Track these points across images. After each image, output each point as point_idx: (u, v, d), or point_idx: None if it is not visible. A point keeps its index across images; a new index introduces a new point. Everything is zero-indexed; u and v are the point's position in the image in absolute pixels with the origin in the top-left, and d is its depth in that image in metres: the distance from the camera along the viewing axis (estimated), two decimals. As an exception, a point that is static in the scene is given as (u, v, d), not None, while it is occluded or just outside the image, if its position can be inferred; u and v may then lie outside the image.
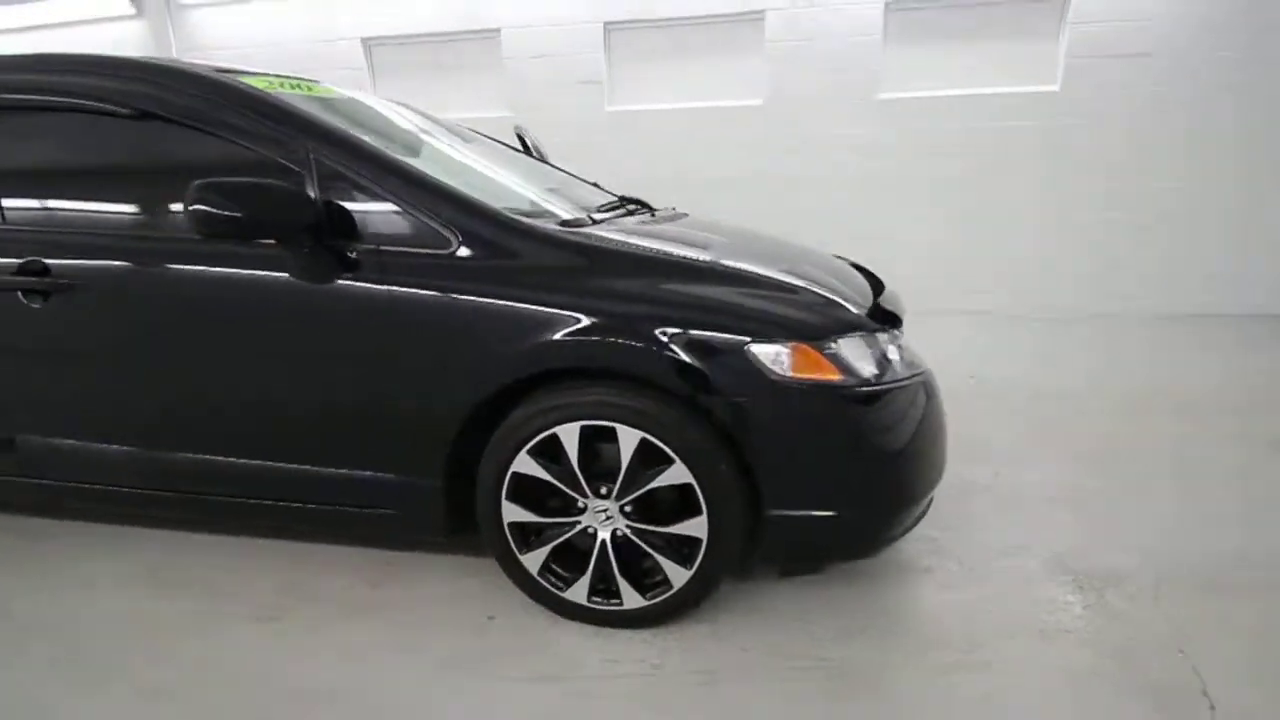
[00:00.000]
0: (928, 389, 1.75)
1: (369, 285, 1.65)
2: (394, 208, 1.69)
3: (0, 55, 1.94)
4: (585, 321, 1.57)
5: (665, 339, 1.56)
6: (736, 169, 5.49)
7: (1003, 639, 1.73)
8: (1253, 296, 4.97)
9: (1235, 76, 4.62)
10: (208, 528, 2.30)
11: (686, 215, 2.42)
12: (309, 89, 2.11)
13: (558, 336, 1.57)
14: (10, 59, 1.92)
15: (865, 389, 1.60)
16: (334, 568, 2.10)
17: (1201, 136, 4.73)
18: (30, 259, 1.82)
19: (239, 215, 1.53)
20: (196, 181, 1.55)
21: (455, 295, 1.63)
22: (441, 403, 1.67)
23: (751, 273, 1.74)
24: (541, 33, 5.60)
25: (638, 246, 1.76)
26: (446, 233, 1.66)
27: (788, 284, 1.72)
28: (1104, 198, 5.04)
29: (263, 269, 1.71)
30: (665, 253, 1.76)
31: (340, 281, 1.67)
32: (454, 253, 1.66)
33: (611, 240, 1.75)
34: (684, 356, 1.55)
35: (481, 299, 1.63)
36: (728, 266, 1.74)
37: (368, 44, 5.91)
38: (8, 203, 1.90)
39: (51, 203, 1.92)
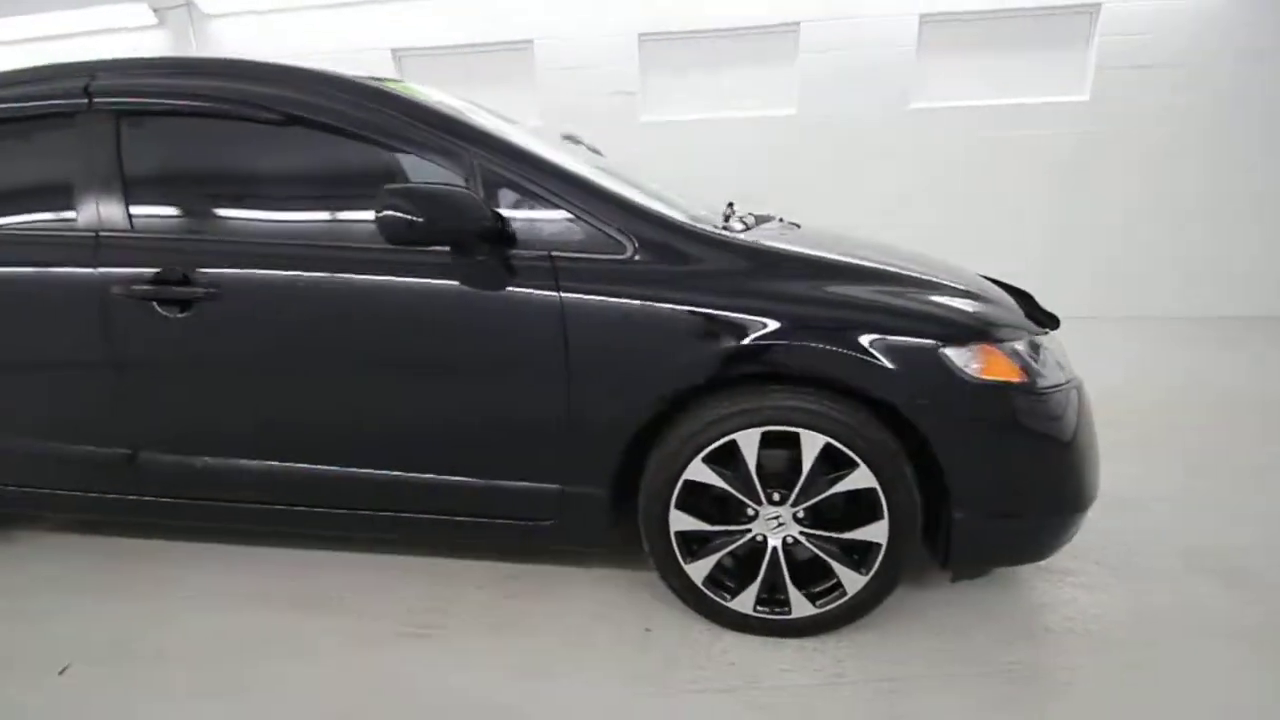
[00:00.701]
0: (1080, 391, 1.77)
1: (542, 292, 1.62)
2: (565, 214, 1.67)
3: (136, 58, 1.89)
4: (773, 325, 1.56)
5: (861, 343, 1.55)
6: (770, 178, 5.54)
7: (1174, 636, 1.74)
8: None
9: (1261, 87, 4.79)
10: (327, 545, 2.22)
11: (799, 225, 2.42)
12: (405, 91, 2.07)
13: (747, 341, 1.56)
14: (148, 61, 1.87)
15: (1043, 390, 1.61)
16: (464, 582, 2.05)
17: (1225, 143, 4.89)
18: (168, 267, 1.77)
19: (425, 221, 1.50)
20: (387, 186, 1.52)
21: (633, 301, 1.61)
22: (617, 410, 1.64)
23: (924, 277, 1.74)
24: (575, 44, 5.61)
25: (808, 252, 1.75)
26: (621, 238, 1.64)
27: (961, 288, 1.72)
28: (1123, 202, 5.18)
29: (429, 276, 1.67)
30: (836, 258, 1.76)
31: (511, 288, 1.64)
32: (630, 258, 1.64)
33: (780, 245, 1.74)
34: (880, 360, 1.54)
35: (661, 304, 1.60)
36: (900, 271, 1.73)
37: (398, 54, 5.87)
38: (136, 210, 1.84)
39: (189, 210, 1.86)
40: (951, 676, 1.65)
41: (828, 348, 1.55)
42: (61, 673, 1.73)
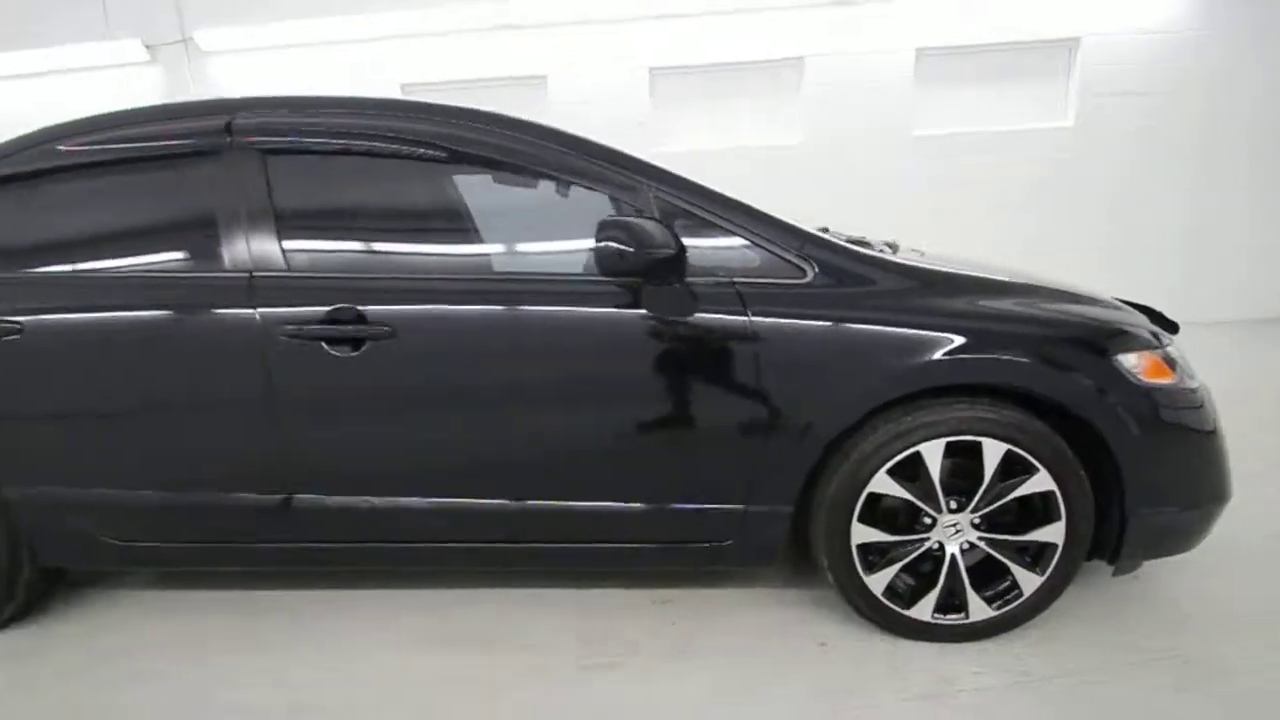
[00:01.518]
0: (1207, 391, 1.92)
1: (730, 317, 1.67)
2: (742, 242, 1.73)
3: (278, 96, 1.88)
4: (959, 341, 1.65)
5: (1045, 354, 1.65)
6: (777, 205, 5.73)
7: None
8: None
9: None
10: (459, 583, 2.16)
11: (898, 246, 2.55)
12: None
13: (937, 356, 1.64)
14: (295, 100, 1.86)
15: (1192, 389, 1.75)
16: (617, 611, 2.04)
17: (1208, 166, 5.35)
18: (340, 307, 1.74)
19: (635, 251, 1.54)
20: (604, 219, 1.56)
21: (822, 323, 1.68)
22: (809, 429, 1.69)
23: (1071, 291, 1.86)
24: (589, 79, 5.73)
25: (965, 271, 1.86)
26: (801, 263, 1.71)
27: (1108, 299, 1.86)
28: (1108, 222, 5.57)
29: (611, 306, 1.70)
30: (983, 275, 1.86)
31: (699, 314, 1.68)
32: (810, 282, 1.71)
33: (938, 266, 1.84)
34: (1063, 369, 1.65)
35: (851, 325, 1.67)
36: (1055, 287, 1.85)
37: (408, 90, 5.86)
38: (290, 249, 1.80)
39: (347, 248, 1.84)
40: (1129, 666, 1.74)
41: (1015, 359, 1.64)
42: (235, 735, 1.65)
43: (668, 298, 1.67)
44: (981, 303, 1.75)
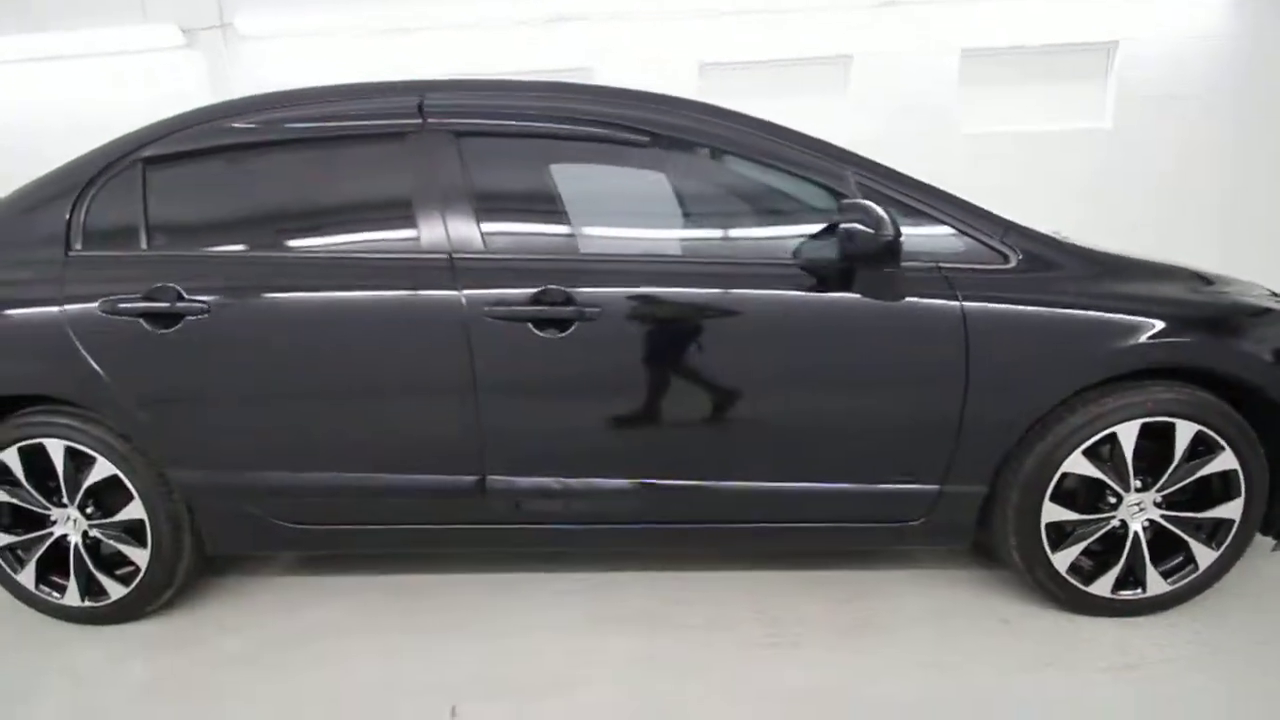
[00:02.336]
0: None
1: (943, 301, 1.71)
2: (947, 229, 1.77)
3: (471, 79, 1.87)
4: (1159, 325, 1.71)
5: (1234, 334, 1.74)
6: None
7: None
8: None
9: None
10: (615, 565, 2.18)
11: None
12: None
13: (1142, 340, 1.70)
14: (490, 83, 1.85)
15: None
16: (785, 590, 2.07)
17: (1241, 169, 5.54)
18: (549, 287, 1.73)
19: (874, 234, 1.57)
20: (845, 201, 1.59)
21: (1025, 308, 1.73)
22: (1013, 411, 1.74)
23: (1229, 276, 1.95)
24: (638, 74, 5.72)
25: (1141, 258, 1.92)
26: (1004, 249, 1.76)
27: (1255, 284, 1.96)
28: (1142, 223, 5.75)
29: (823, 289, 1.73)
30: (1167, 262, 1.93)
31: (910, 299, 1.72)
32: (1014, 268, 1.75)
33: (1115, 252, 1.90)
34: (1249, 350, 1.73)
35: (1052, 310, 1.73)
36: (1205, 272, 1.92)
37: (451, 80, 5.81)
38: (488, 230, 1.79)
39: (545, 230, 1.84)
40: (1303, 632, 1.83)
41: (1213, 341, 1.72)
42: (453, 715, 1.64)
43: (882, 281, 1.71)
44: (1164, 287, 1.82)
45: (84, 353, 1.82)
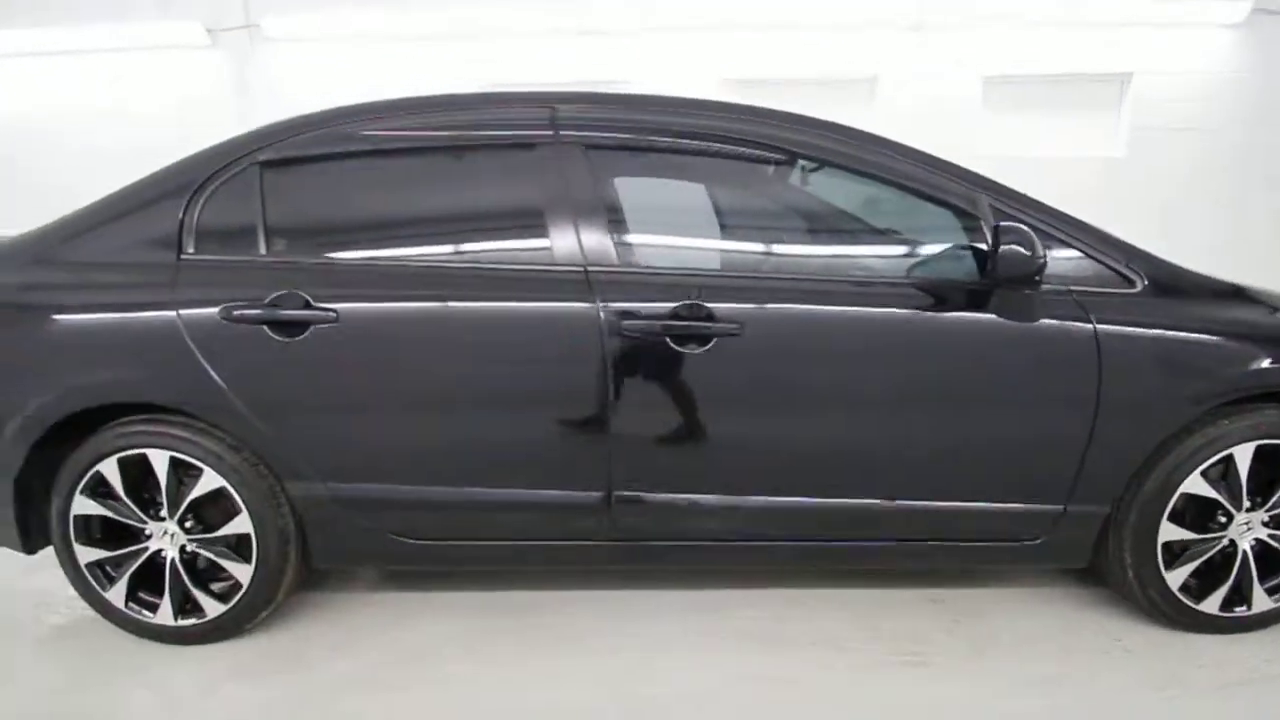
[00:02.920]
0: None
1: (1077, 324, 1.75)
2: (1077, 253, 1.82)
3: (601, 93, 1.87)
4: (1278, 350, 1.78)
5: None
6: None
7: None
8: None
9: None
10: (717, 584, 2.17)
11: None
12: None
13: (1266, 364, 1.76)
14: (622, 98, 1.85)
15: None
16: (895, 609, 2.08)
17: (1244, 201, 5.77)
18: (690, 302, 1.73)
19: (1031, 257, 1.61)
20: (1002, 224, 1.63)
21: (1153, 331, 1.78)
22: (1140, 432, 1.78)
23: None
24: (660, 88, 5.77)
25: (1251, 286, 1.98)
26: (1131, 274, 1.81)
27: None
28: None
29: (958, 310, 1.77)
30: (1253, 286, 1.99)
31: (1045, 320, 1.76)
32: (1140, 292, 1.80)
33: (1225, 279, 1.96)
34: None
35: (1178, 334, 1.78)
36: None
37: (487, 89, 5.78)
38: (622, 243, 1.80)
39: (681, 245, 1.84)
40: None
41: None
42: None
43: (1021, 303, 1.74)
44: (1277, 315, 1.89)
45: (202, 360, 1.77)
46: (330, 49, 5.64)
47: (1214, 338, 1.79)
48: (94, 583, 1.91)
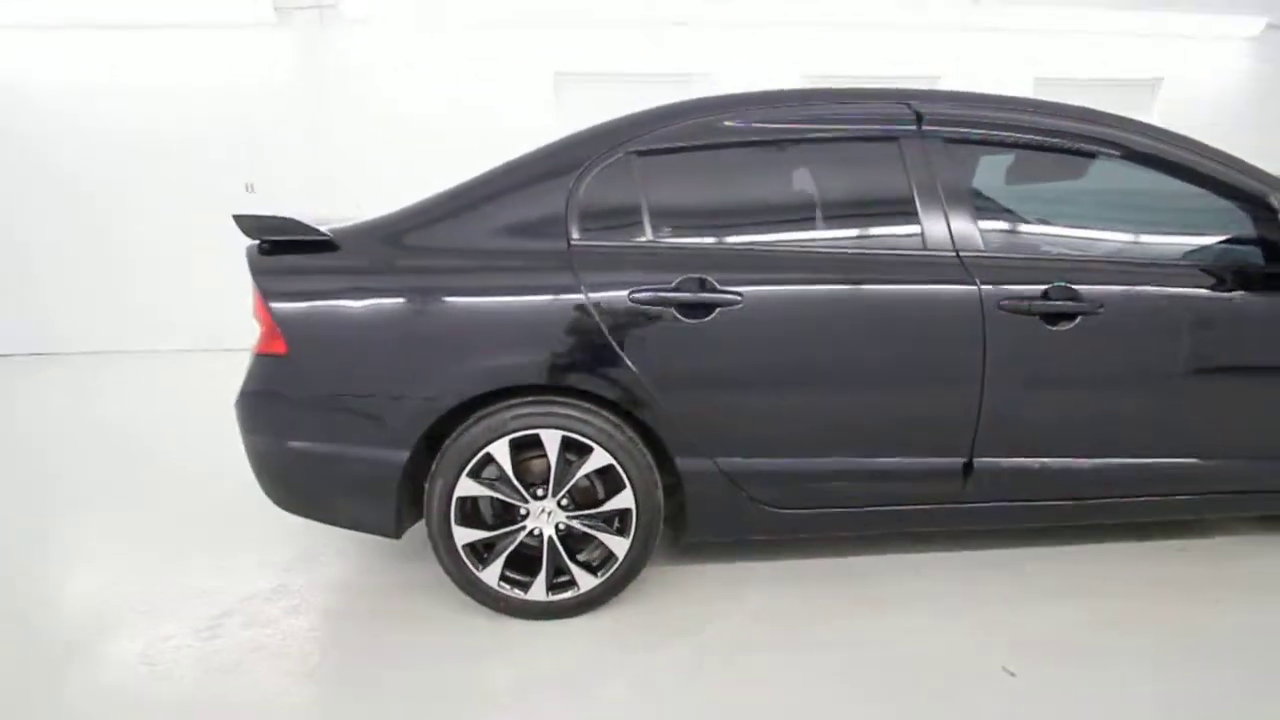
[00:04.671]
0: None
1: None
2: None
3: (954, 90, 2.01)
4: None
5: None
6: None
7: None
8: None
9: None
10: (1003, 542, 2.36)
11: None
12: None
13: None
14: (978, 96, 2.01)
15: None
16: (1151, 557, 2.31)
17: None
18: (1058, 284, 1.91)
19: None
20: None
21: None
22: None
23: None
24: (744, 83, 5.90)
25: None
26: None
27: None
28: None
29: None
30: None
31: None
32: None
33: None
34: None
35: None
36: None
37: (559, 78, 5.76)
38: (986, 229, 1.97)
39: (1037, 232, 2.03)
40: None
41: None
42: (1013, 674, 1.78)
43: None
44: None
45: (613, 343, 1.83)
46: (414, 33, 5.49)
47: None
48: (469, 564, 1.94)
